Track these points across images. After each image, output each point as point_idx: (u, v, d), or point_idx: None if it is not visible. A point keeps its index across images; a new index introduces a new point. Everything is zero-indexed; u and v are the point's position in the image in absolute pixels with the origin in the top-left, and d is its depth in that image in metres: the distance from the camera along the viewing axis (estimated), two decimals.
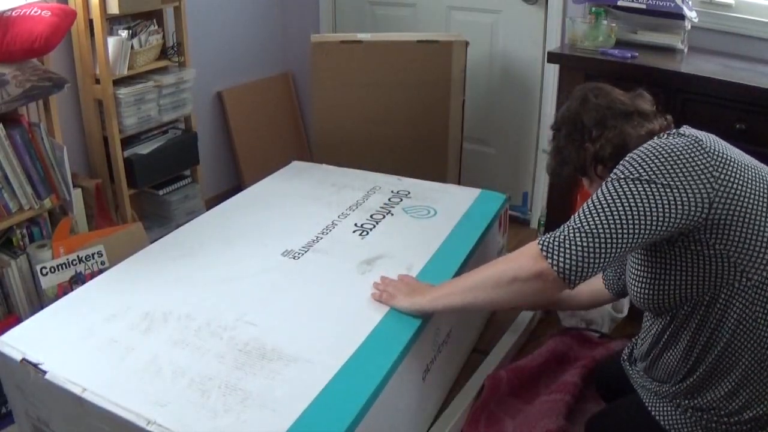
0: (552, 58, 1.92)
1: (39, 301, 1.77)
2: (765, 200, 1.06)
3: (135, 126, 2.16)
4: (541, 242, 1.08)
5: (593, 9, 1.94)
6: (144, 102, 2.15)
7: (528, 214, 2.66)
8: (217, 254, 1.57)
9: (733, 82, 1.68)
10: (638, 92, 1.28)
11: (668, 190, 1.03)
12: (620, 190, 1.05)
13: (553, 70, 2.33)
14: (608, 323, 1.95)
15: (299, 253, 1.56)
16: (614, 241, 1.03)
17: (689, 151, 1.06)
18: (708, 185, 1.03)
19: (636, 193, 1.04)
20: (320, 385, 1.14)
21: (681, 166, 1.04)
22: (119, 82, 2.09)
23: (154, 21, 2.18)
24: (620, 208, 1.03)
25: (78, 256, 1.73)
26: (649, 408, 1.21)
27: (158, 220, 2.36)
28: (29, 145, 1.73)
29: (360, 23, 2.82)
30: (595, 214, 1.05)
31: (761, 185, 1.07)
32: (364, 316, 1.33)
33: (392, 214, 1.77)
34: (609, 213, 1.04)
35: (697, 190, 1.03)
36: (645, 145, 1.10)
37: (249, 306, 1.36)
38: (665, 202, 1.02)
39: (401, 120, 2.32)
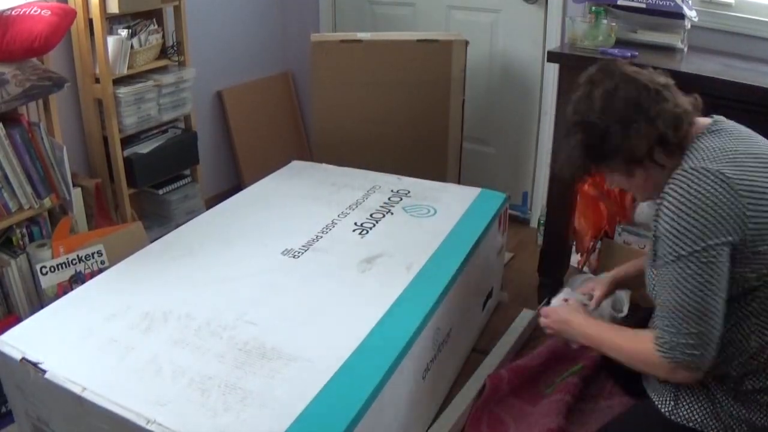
0: (552, 57, 1.92)
1: (39, 300, 1.77)
2: None
3: (135, 125, 2.16)
4: (666, 357, 1.09)
5: (593, 8, 1.94)
6: (144, 101, 2.15)
7: (528, 213, 2.66)
8: (217, 254, 1.57)
9: (734, 81, 1.68)
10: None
11: (713, 245, 1.06)
12: (685, 272, 1.07)
13: (553, 70, 2.33)
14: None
15: (299, 253, 1.56)
16: (718, 317, 1.07)
17: (719, 192, 1.06)
18: (742, 225, 1.06)
19: (698, 265, 1.06)
20: (320, 384, 1.14)
21: (714, 215, 1.06)
22: (119, 82, 2.09)
23: (154, 20, 2.18)
24: (697, 286, 1.06)
25: (78, 256, 1.73)
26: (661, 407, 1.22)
27: (158, 220, 2.36)
28: (29, 145, 1.72)
29: (360, 23, 2.81)
30: (686, 309, 1.07)
31: None
32: (363, 316, 1.33)
33: (392, 213, 1.77)
34: (695, 299, 1.06)
35: (733, 233, 1.06)
36: (679, 201, 1.08)
37: (249, 305, 1.36)
38: (720, 262, 1.06)
39: (401, 120, 2.32)
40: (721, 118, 1.20)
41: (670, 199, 1.09)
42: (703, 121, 1.19)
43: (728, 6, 2.05)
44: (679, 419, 1.18)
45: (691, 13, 1.93)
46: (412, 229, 1.70)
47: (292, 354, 1.21)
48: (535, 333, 1.94)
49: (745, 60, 1.75)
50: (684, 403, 1.18)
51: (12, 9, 1.69)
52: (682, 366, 1.08)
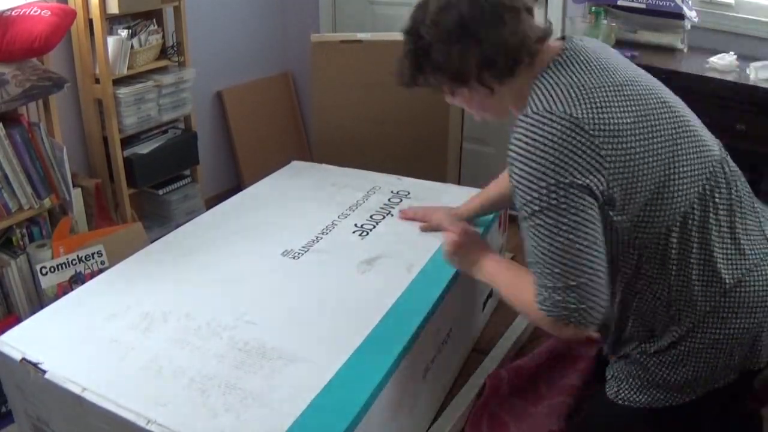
0: None
1: (39, 300, 1.77)
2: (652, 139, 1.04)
3: (135, 126, 2.16)
4: (551, 314, 1.03)
5: (593, 9, 1.94)
6: (144, 102, 2.15)
7: None
8: (217, 254, 1.57)
9: (733, 82, 1.68)
10: None
11: (574, 192, 0.99)
12: (546, 224, 1.01)
13: None
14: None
15: (299, 253, 1.56)
16: (590, 264, 1.00)
17: (568, 136, 0.99)
18: (599, 167, 1.00)
19: (560, 217, 1.00)
20: (320, 384, 1.14)
21: (567, 161, 0.99)
22: (119, 82, 2.09)
23: (154, 21, 2.18)
24: (565, 238, 1.00)
25: (78, 256, 1.73)
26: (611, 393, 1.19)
27: (158, 220, 2.36)
28: (29, 145, 1.73)
29: (360, 23, 2.82)
30: (558, 262, 1.01)
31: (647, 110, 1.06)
32: (364, 316, 1.33)
33: (392, 215, 1.77)
34: (565, 252, 1.00)
35: (592, 177, 0.99)
36: (525, 150, 1.01)
37: (249, 306, 1.36)
38: (583, 207, 0.99)
39: (401, 120, 2.32)
40: (574, 41, 1.09)
41: (516, 147, 1.02)
42: (555, 47, 1.10)
43: (728, 6, 2.06)
44: (626, 402, 1.15)
45: (691, 14, 1.94)
46: (412, 230, 1.70)
47: (292, 354, 1.21)
48: (535, 333, 1.94)
49: (745, 60, 1.75)
50: (624, 384, 1.15)
51: (12, 9, 1.69)
52: (567, 322, 1.01)
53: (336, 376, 1.16)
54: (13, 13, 1.67)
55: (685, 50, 1.96)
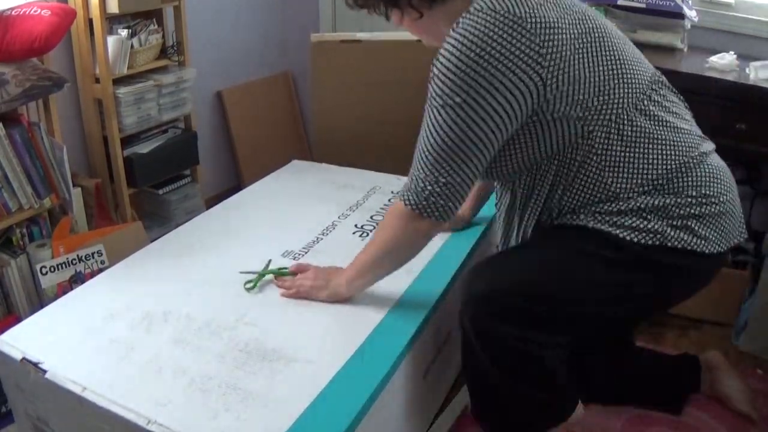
0: None
1: (39, 300, 1.77)
2: (586, 43, 1.07)
3: (135, 125, 2.16)
4: (409, 203, 1.12)
5: (593, 8, 1.94)
6: (144, 101, 2.15)
7: None
8: (217, 254, 1.57)
9: (733, 81, 1.68)
10: None
11: (498, 98, 1.01)
12: (452, 120, 1.04)
13: None
14: None
15: (299, 254, 1.56)
16: (470, 169, 1.07)
17: (508, 35, 1.00)
18: (536, 67, 1.01)
19: (469, 118, 1.02)
20: (320, 384, 1.14)
21: (503, 60, 1.00)
22: (119, 82, 2.09)
23: (154, 20, 2.18)
24: (462, 138, 1.04)
25: (78, 256, 1.73)
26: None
27: (158, 220, 2.36)
28: (29, 145, 1.72)
29: (360, 23, 2.81)
30: (441, 158, 1.06)
31: (581, 25, 1.09)
32: (364, 316, 1.33)
33: None
34: (453, 151, 1.05)
35: (527, 80, 1.01)
36: (461, 42, 1.01)
37: (249, 306, 1.36)
38: (501, 112, 1.03)
39: (401, 120, 2.31)
40: None
41: (452, 40, 1.03)
42: None
43: (728, 6, 2.06)
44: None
45: (691, 13, 1.94)
46: None
47: (292, 355, 1.21)
48: None
49: (745, 60, 1.75)
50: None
51: (12, 9, 1.69)
52: (425, 215, 1.10)
53: (336, 376, 1.16)
54: (13, 13, 1.67)
55: (685, 50, 1.96)
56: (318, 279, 1.36)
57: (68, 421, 1.21)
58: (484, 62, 1.00)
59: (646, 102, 1.14)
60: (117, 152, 2.11)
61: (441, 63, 1.05)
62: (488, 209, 1.84)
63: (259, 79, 2.88)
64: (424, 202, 1.10)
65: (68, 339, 1.26)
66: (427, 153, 1.08)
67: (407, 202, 1.13)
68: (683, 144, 1.16)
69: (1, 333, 1.28)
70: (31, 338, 1.26)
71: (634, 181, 1.13)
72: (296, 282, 1.38)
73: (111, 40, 2.01)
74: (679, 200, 1.13)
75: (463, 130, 1.04)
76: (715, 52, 1.81)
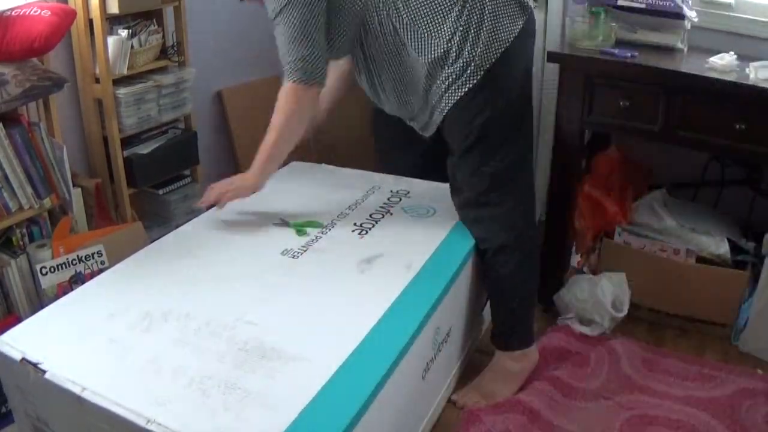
0: (552, 57, 1.92)
1: (39, 300, 1.77)
2: None
3: (135, 126, 2.16)
4: (293, 79, 1.55)
5: (593, 9, 1.94)
6: (144, 102, 2.15)
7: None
8: (216, 254, 1.57)
9: (733, 82, 1.68)
10: None
11: None
12: (292, 18, 1.49)
13: (553, 70, 2.33)
14: (608, 322, 1.95)
15: (298, 253, 1.56)
16: (317, 39, 1.51)
17: None
18: None
19: (300, 11, 1.48)
20: (319, 383, 1.14)
21: None
22: (119, 82, 2.09)
23: (154, 20, 2.18)
24: (301, 21, 1.49)
25: (78, 256, 1.73)
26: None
27: (158, 220, 2.36)
28: (29, 145, 1.72)
29: None
30: (296, 43, 1.51)
31: None
32: (363, 315, 1.33)
33: (391, 214, 1.77)
34: (300, 31, 1.50)
35: None
36: None
37: (249, 305, 1.36)
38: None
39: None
40: None
41: None
42: None
43: (728, 6, 2.05)
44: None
45: (691, 13, 1.94)
46: (411, 229, 1.70)
47: (291, 354, 1.21)
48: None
49: (745, 60, 1.75)
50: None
51: (12, 9, 1.69)
52: (305, 82, 1.54)
53: (335, 375, 1.17)
54: (13, 13, 1.67)
55: (685, 50, 1.96)
56: (226, 180, 1.69)
57: (68, 422, 1.21)
58: None
59: None
60: (117, 152, 2.11)
61: None
62: None
63: (259, 79, 2.88)
64: (302, 73, 1.52)
65: (68, 339, 1.26)
66: (287, 43, 1.52)
67: (292, 80, 1.54)
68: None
69: (1, 333, 1.28)
70: (30, 338, 1.26)
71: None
72: (220, 188, 1.68)
73: (111, 41, 2.01)
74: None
75: (299, 17, 1.49)
76: (715, 52, 1.81)
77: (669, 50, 1.96)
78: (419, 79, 1.58)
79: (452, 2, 1.51)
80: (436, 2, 1.51)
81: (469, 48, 1.51)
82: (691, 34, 1.98)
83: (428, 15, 1.52)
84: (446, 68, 1.54)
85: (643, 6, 1.93)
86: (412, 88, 1.61)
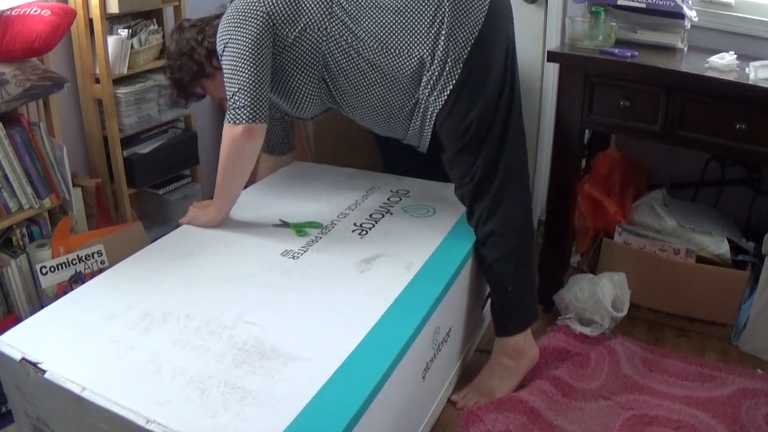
0: (552, 57, 1.92)
1: (39, 300, 1.77)
2: None
3: (135, 125, 2.16)
4: (239, 121, 1.54)
5: (593, 8, 1.94)
6: (144, 101, 2.15)
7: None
8: (216, 254, 1.57)
9: (733, 81, 1.68)
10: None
11: (251, 26, 1.55)
12: (235, 51, 1.54)
13: (553, 70, 2.33)
14: (608, 322, 1.95)
15: (299, 253, 1.56)
16: (258, 79, 1.54)
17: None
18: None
19: (242, 44, 1.54)
20: (319, 383, 1.14)
21: (245, 11, 1.57)
22: (119, 82, 2.09)
23: (154, 20, 2.18)
24: (245, 60, 1.54)
25: (78, 256, 1.73)
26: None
27: (158, 220, 2.36)
28: (29, 145, 1.73)
29: None
30: (237, 75, 1.53)
31: None
32: (363, 315, 1.33)
33: (391, 214, 1.77)
34: (242, 68, 1.53)
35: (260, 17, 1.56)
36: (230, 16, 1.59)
37: (248, 305, 1.36)
38: (257, 32, 1.55)
39: None
40: None
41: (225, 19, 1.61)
42: None
43: (728, 6, 2.05)
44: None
45: (691, 13, 1.93)
46: (411, 229, 1.70)
47: (291, 354, 1.21)
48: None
49: (745, 60, 1.75)
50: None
51: (12, 9, 1.69)
52: (249, 122, 1.53)
53: (335, 375, 1.17)
54: (13, 13, 1.67)
55: (685, 50, 1.96)
56: (198, 211, 1.72)
57: (68, 421, 1.21)
58: (240, 15, 1.59)
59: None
60: (117, 152, 2.11)
61: (221, 28, 1.61)
62: None
63: None
64: (244, 111, 1.53)
65: (68, 339, 1.26)
66: (230, 79, 1.55)
67: (234, 121, 1.54)
68: None
69: (0, 333, 1.28)
70: (30, 338, 1.26)
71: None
72: (189, 214, 1.73)
73: (111, 40, 2.01)
74: None
75: (245, 54, 1.54)
76: (715, 52, 1.80)
77: (669, 50, 1.96)
78: (401, 98, 1.61)
79: (416, 15, 1.54)
80: (401, 18, 1.54)
81: (442, 45, 1.52)
82: (691, 34, 1.98)
83: (395, 31, 1.55)
84: (426, 73, 1.56)
85: (643, 6, 1.92)
86: (396, 111, 1.63)
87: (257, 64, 1.53)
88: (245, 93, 1.52)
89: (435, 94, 1.57)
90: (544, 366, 1.78)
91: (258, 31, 1.54)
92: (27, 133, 1.72)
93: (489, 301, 1.90)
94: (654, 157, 2.29)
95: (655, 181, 2.29)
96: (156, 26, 2.17)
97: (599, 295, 1.91)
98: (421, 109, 1.61)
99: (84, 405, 1.12)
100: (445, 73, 1.54)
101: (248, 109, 1.52)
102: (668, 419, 1.61)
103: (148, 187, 2.29)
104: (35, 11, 1.68)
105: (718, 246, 1.97)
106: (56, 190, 1.81)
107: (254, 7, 1.56)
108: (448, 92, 1.55)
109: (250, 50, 1.53)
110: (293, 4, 1.57)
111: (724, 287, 1.91)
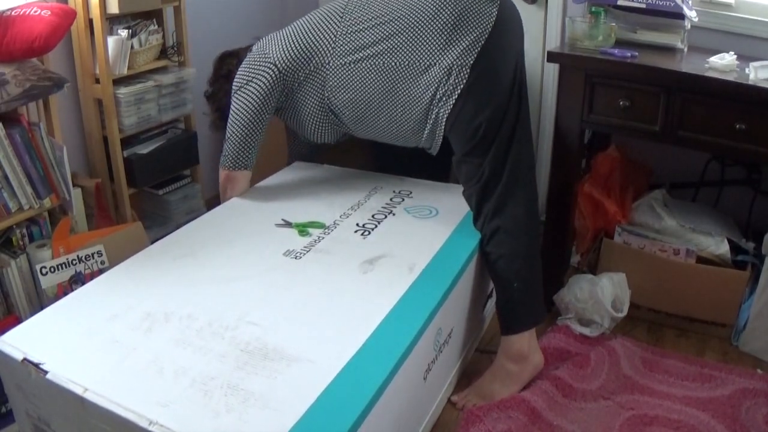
0: (552, 57, 1.92)
1: (39, 301, 1.77)
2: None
3: (135, 126, 2.16)
4: (223, 166, 1.80)
5: (593, 9, 1.94)
6: (144, 102, 2.15)
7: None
8: (218, 254, 1.56)
9: (733, 82, 1.68)
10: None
11: (261, 81, 1.75)
12: (240, 102, 1.77)
13: (553, 70, 2.33)
14: (608, 322, 1.95)
15: (301, 253, 1.56)
16: (250, 133, 1.77)
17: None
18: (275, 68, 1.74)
19: (247, 100, 1.75)
20: (322, 385, 1.14)
21: (260, 62, 1.77)
22: (119, 82, 2.09)
23: (154, 20, 2.17)
24: (244, 115, 1.76)
25: (78, 256, 1.73)
26: None
27: (158, 220, 2.36)
28: (29, 145, 1.72)
29: None
30: (233, 125, 1.77)
31: None
32: (366, 316, 1.33)
33: (394, 214, 1.77)
34: (239, 121, 1.75)
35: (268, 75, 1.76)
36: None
37: (251, 306, 1.35)
38: (265, 90, 1.75)
39: None
40: None
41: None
42: None
43: (728, 6, 2.06)
44: None
45: (691, 13, 1.94)
46: (414, 230, 1.70)
47: (294, 355, 1.21)
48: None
49: (745, 60, 1.75)
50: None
51: (12, 9, 1.68)
52: (232, 168, 1.79)
53: (338, 377, 1.16)
54: (13, 13, 1.67)
55: (685, 50, 1.96)
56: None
57: (69, 422, 1.21)
58: (248, 67, 1.82)
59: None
60: (117, 152, 2.11)
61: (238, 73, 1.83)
62: None
63: None
64: (224, 161, 1.79)
65: (69, 340, 1.26)
66: (227, 127, 1.79)
67: (224, 166, 1.80)
68: None
69: (1, 333, 1.28)
70: (32, 339, 1.26)
71: None
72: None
73: (111, 41, 2.01)
74: None
75: (248, 102, 1.77)
76: (715, 52, 1.81)
77: (669, 50, 1.96)
78: (411, 114, 1.66)
79: (425, 25, 1.62)
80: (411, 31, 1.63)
81: (450, 54, 1.57)
82: (691, 34, 1.98)
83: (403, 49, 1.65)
84: (433, 83, 1.61)
85: (643, 6, 1.93)
86: (406, 126, 1.70)
87: (254, 121, 1.74)
88: (233, 143, 1.75)
89: (444, 99, 1.60)
90: (545, 366, 1.78)
91: (266, 88, 1.73)
92: (27, 133, 1.72)
93: (489, 300, 1.91)
94: (654, 157, 2.29)
95: (655, 181, 2.29)
96: (156, 26, 2.17)
97: (599, 295, 1.92)
98: (432, 116, 1.64)
99: (86, 406, 1.12)
100: (452, 79, 1.58)
101: (231, 158, 1.77)
102: (668, 419, 1.61)
103: (148, 187, 2.29)
104: (35, 11, 1.68)
105: (718, 246, 1.98)
106: (56, 190, 1.81)
107: (267, 61, 1.74)
108: (456, 97, 1.59)
109: (252, 108, 1.73)
110: (304, 50, 1.72)
111: (724, 287, 1.91)
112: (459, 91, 1.58)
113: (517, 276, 1.66)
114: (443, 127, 1.65)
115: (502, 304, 1.71)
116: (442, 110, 1.62)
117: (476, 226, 1.68)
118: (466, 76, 1.57)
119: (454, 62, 1.58)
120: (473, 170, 1.64)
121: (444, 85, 1.60)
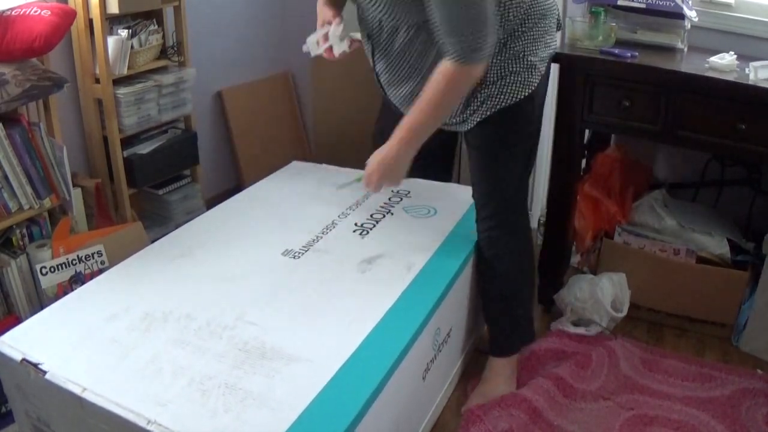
0: (552, 57, 1.91)
1: (39, 301, 1.77)
2: None
3: (135, 126, 2.16)
4: (463, 61, 1.34)
5: (593, 9, 1.94)
6: (144, 102, 2.15)
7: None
8: (217, 254, 1.57)
9: (733, 82, 1.68)
10: None
11: None
12: None
13: (553, 70, 2.32)
14: (607, 322, 1.95)
15: (299, 253, 1.56)
16: (486, 16, 1.32)
17: None
18: None
19: None
20: (320, 384, 1.14)
21: None
22: (119, 82, 2.09)
23: (154, 20, 2.18)
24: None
25: (78, 256, 1.73)
26: None
27: (158, 220, 2.36)
28: (29, 145, 1.72)
29: None
30: (481, 15, 1.32)
31: None
32: (364, 316, 1.33)
33: (392, 214, 1.77)
34: (484, 7, 1.32)
35: None
36: None
37: (249, 305, 1.36)
38: None
39: None
40: None
41: None
42: None
43: (728, 6, 2.05)
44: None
45: (691, 13, 1.94)
46: (412, 230, 1.70)
47: (292, 354, 1.21)
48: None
49: (745, 60, 1.75)
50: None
51: (12, 9, 1.69)
52: (477, 62, 1.35)
53: (336, 376, 1.17)
54: (13, 13, 1.67)
55: (685, 50, 1.96)
56: (374, 168, 1.55)
57: (68, 422, 1.21)
58: None
59: None
60: (117, 152, 2.11)
61: None
62: None
63: (259, 79, 2.88)
64: (476, 52, 1.33)
65: (68, 340, 1.26)
66: (459, 23, 1.32)
67: (467, 61, 1.34)
68: None
69: (1, 333, 1.28)
70: (31, 339, 1.26)
71: None
72: (365, 182, 1.56)
73: (111, 41, 2.01)
74: None
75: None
76: (715, 52, 1.80)
77: (669, 50, 1.96)
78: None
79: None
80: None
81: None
82: (691, 34, 1.98)
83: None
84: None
85: (643, 6, 1.93)
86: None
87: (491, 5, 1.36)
88: (490, 35, 1.35)
89: (496, 96, 1.52)
90: (546, 365, 1.78)
91: None
92: (27, 133, 1.72)
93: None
94: (654, 157, 2.29)
95: (655, 181, 2.29)
96: (156, 26, 2.17)
97: (599, 295, 1.91)
98: (480, 98, 1.51)
99: (85, 406, 1.12)
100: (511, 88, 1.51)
101: (488, 51, 1.36)
102: (668, 419, 1.61)
103: (148, 187, 2.29)
104: (35, 11, 1.68)
105: (718, 246, 1.97)
106: (56, 190, 1.81)
107: None
108: (507, 102, 1.52)
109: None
110: None
111: (724, 287, 1.91)
112: (513, 100, 1.52)
113: (513, 291, 1.68)
114: (484, 116, 1.53)
115: (496, 323, 1.73)
116: (495, 101, 1.51)
117: (477, 221, 1.67)
118: (526, 93, 1.53)
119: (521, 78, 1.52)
120: (487, 172, 1.61)
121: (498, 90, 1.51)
